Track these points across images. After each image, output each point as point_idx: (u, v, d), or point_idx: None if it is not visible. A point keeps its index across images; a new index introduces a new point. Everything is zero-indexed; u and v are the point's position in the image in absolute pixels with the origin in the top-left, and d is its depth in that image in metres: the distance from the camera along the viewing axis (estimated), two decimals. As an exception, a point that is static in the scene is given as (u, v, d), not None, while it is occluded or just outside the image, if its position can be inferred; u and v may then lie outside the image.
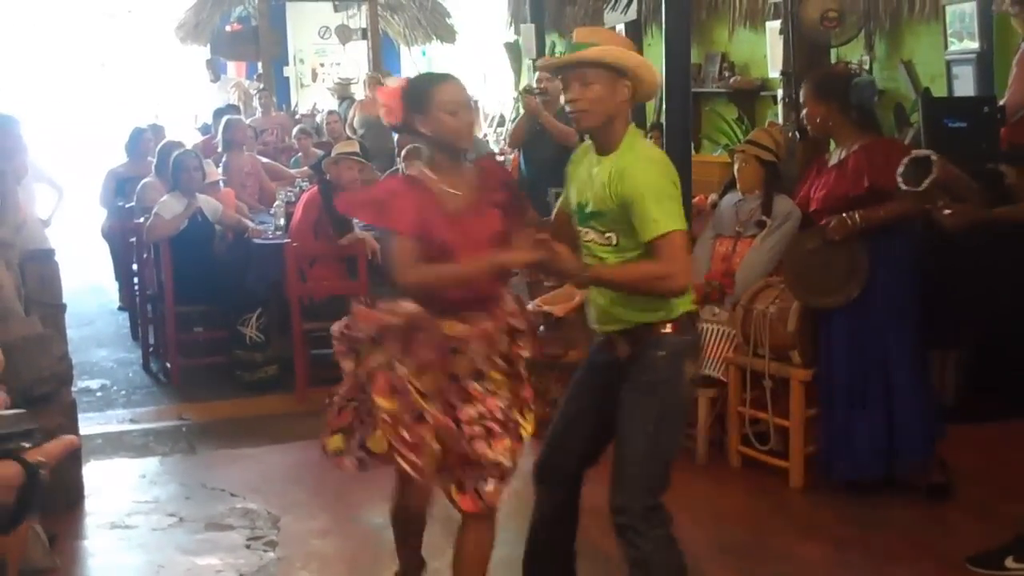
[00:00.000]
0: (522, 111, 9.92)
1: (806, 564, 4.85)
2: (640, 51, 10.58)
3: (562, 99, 3.98)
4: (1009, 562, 4.63)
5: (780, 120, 8.10)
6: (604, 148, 3.81)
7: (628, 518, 3.76)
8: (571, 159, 4.03)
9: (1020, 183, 4.94)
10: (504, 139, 12.75)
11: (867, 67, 8.66)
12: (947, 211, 4.75)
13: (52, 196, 10.22)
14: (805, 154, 6.88)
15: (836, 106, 5.35)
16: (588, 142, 3.93)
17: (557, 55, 3.96)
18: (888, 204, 5.14)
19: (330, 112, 13.42)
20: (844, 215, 5.23)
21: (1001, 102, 6.97)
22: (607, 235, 3.79)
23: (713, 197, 7.22)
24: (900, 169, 4.89)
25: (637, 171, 3.66)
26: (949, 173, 4.75)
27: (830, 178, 5.39)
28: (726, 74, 11.12)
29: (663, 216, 3.62)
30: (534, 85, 9.04)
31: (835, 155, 5.49)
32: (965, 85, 7.66)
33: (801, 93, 5.48)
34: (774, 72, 9.75)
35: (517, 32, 15.34)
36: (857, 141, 5.35)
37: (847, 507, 5.39)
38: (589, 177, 3.82)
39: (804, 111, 5.45)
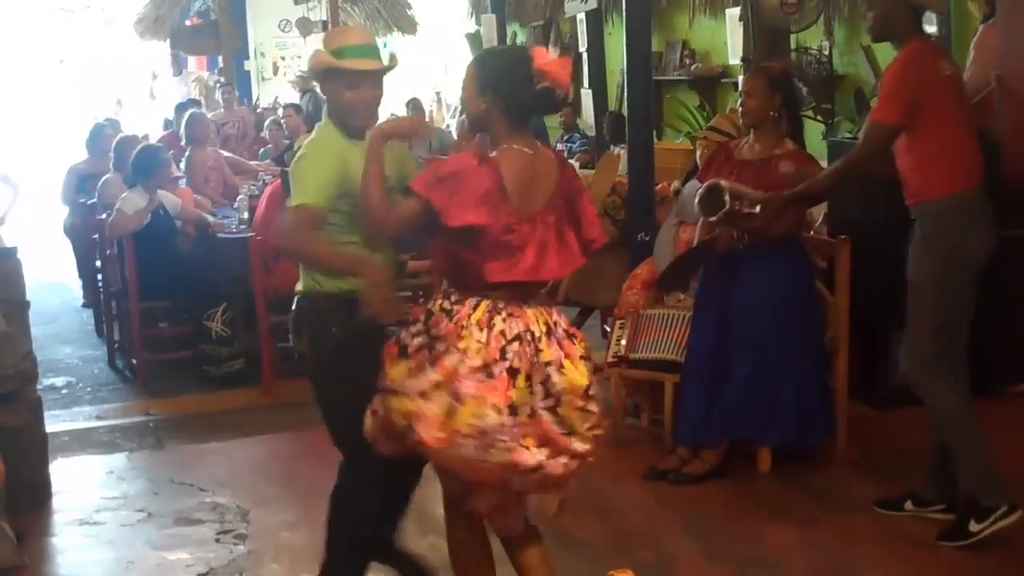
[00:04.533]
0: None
1: (776, 545, 4.88)
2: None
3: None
4: (972, 526, 4.74)
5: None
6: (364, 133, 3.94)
7: None
8: (325, 151, 3.94)
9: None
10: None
11: (827, 52, 8.72)
12: (751, 212, 5.13)
13: (6, 195, 10.17)
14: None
15: (781, 100, 5.46)
16: (322, 134, 4.00)
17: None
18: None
19: (286, 106, 13.35)
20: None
21: (959, 85, 7.04)
22: None
23: (676, 184, 7.26)
24: (696, 199, 5.23)
25: None
26: (739, 201, 5.09)
27: (749, 172, 5.42)
28: (687, 61, 11.18)
29: None
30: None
31: (748, 148, 5.54)
32: (924, 69, 7.70)
33: (746, 81, 5.51)
34: (734, 59, 9.81)
35: (478, 23, 15.34)
36: (780, 142, 5.46)
37: (814, 488, 5.43)
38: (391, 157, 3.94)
39: (747, 100, 5.45)
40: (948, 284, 4.72)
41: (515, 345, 3.47)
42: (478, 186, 3.49)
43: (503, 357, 3.45)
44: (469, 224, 3.48)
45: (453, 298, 3.58)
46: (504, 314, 3.52)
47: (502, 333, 3.48)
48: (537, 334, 3.53)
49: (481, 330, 3.48)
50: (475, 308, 3.52)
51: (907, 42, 4.79)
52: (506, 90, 3.58)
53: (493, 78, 3.61)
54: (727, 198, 5.10)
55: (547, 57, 3.62)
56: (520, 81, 3.57)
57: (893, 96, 4.73)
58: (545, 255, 3.58)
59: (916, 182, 4.78)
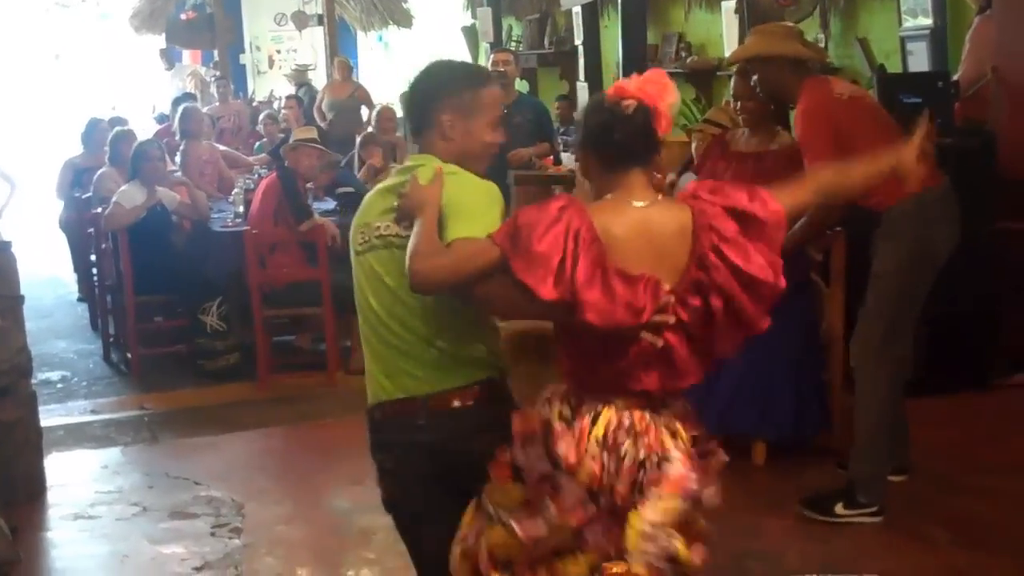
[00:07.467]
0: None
1: (772, 538, 4.88)
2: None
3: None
4: (839, 508, 4.96)
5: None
6: None
7: None
8: None
9: None
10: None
11: (823, 44, 8.71)
12: None
13: (4, 189, 10.16)
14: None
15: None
16: None
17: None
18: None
19: (287, 98, 13.34)
20: None
21: (955, 77, 7.05)
22: None
23: (671, 176, 7.24)
24: None
25: None
26: None
27: (746, 167, 5.41)
28: (683, 54, 11.14)
29: None
30: (490, 69, 9.03)
31: (744, 141, 5.55)
32: (919, 61, 7.71)
33: (738, 85, 5.47)
34: (730, 51, 9.80)
35: (474, 16, 15.32)
36: (775, 136, 5.47)
37: (808, 481, 5.42)
38: None
39: (745, 104, 5.43)
40: (911, 277, 4.83)
41: (639, 474, 2.84)
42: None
43: None
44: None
45: (573, 402, 2.92)
46: (632, 433, 2.86)
47: (633, 460, 2.84)
48: (657, 460, 2.86)
49: (603, 451, 2.83)
50: (595, 421, 2.87)
51: (799, 93, 4.87)
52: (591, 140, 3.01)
53: (582, 134, 3.06)
54: None
55: (631, 83, 3.02)
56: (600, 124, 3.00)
57: (813, 139, 4.80)
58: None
59: (874, 200, 4.78)
